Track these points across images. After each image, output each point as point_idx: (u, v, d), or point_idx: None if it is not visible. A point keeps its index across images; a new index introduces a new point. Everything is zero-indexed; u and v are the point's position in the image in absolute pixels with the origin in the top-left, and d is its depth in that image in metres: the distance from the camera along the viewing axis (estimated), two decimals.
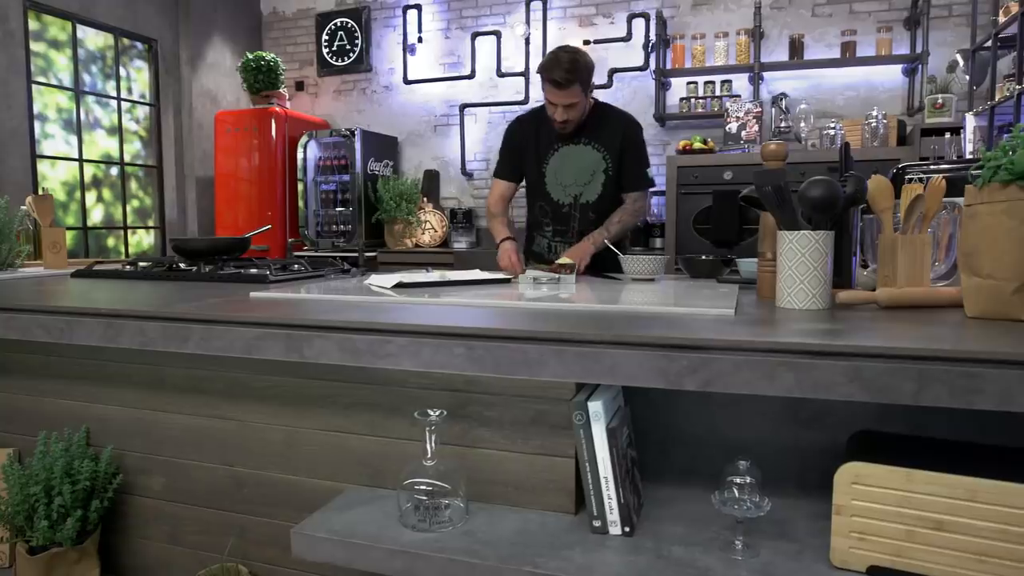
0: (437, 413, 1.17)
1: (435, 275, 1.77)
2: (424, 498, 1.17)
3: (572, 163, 2.44)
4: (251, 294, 1.51)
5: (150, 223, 5.09)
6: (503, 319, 1.14)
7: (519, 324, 1.07)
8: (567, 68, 2.19)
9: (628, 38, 4.63)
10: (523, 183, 2.59)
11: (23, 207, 2.50)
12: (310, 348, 1.12)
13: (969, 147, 3.47)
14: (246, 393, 1.47)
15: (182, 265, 2.18)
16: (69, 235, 4.46)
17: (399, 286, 1.59)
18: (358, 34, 5.28)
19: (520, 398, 1.23)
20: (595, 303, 1.28)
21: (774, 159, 1.44)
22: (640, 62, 4.60)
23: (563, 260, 1.65)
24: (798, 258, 1.22)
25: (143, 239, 5.04)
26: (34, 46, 4.18)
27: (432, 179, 5.15)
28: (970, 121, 3.38)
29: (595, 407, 1.11)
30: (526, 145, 2.51)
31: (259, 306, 1.33)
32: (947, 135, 3.59)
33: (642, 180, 2.44)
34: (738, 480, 1.05)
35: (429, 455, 1.19)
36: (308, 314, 1.22)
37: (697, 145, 4.19)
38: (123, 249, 4.84)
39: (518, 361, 0.99)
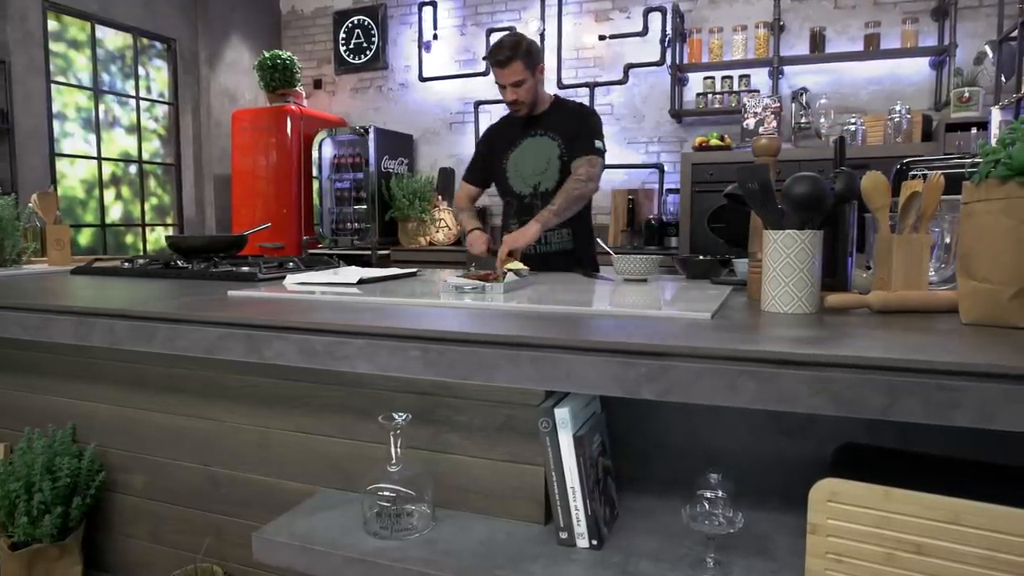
0: (402, 417, 1.14)
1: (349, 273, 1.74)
2: (387, 504, 1.14)
3: (530, 155, 2.55)
4: (228, 293, 1.49)
5: (168, 220, 5.15)
6: (464, 320, 1.10)
7: (481, 326, 1.03)
8: (508, 47, 2.41)
9: (644, 33, 4.54)
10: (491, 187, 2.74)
11: (30, 204, 2.53)
12: (269, 349, 1.09)
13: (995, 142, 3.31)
14: (222, 393, 1.45)
15: (179, 262, 2.18)
16: (88, 232, 4.54)
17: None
18: (375, 32, 5.28)
19: (489, 403, 1.18)
20: (565, 304, 1.23)
21: (766, 154, 1.37)
22: (656, 57, 4.51)
23: (514, 265, 1.57)
24: (783, 259, 1.15)
25: (161, 236, 5.11)
26: (53, 46, 4.25)
27: (447, 177, 5.11)
28: (996, 115, 3.22)
29: (562, 414, 1.06)
30: (494, 147, 2.66)
31: (230, 305, 1.30)
32: (973, 130, 3.44)
33: (589, 149, 2.42)
34: (708, 494, 0.99)
35: (394, 460, 1.15)
36: (273, 314, 1.19)
37: (714, 142, 4.08)
38: (141, 246, 4.91)
39: (472, 364, 0.94)
